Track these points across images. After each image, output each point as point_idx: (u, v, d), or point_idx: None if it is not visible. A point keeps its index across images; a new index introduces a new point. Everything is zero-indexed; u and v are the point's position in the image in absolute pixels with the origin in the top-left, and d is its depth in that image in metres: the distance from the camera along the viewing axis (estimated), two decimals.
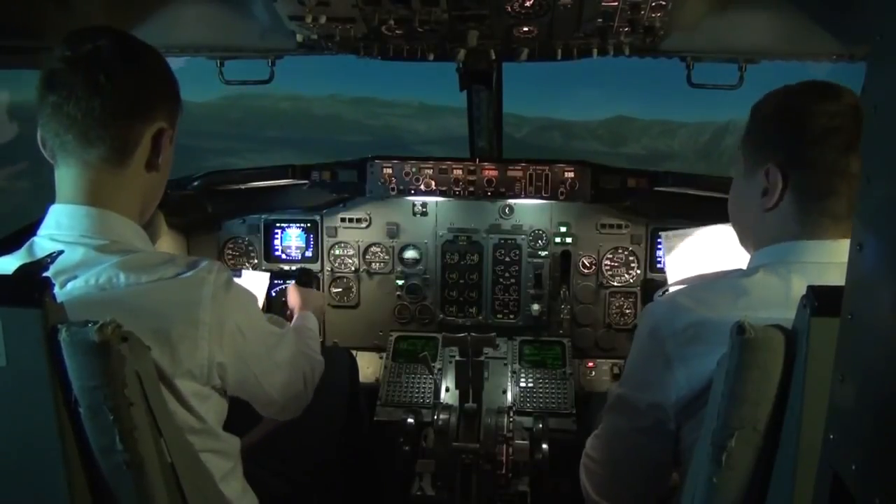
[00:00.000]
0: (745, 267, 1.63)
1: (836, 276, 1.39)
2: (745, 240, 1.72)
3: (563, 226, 3.30)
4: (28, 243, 1.50)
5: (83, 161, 1.49)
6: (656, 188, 3.14)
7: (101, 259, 1.43)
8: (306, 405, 2.04)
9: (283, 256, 3.46)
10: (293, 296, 2.69)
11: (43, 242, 1.48)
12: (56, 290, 1.35)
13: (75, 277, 1.41)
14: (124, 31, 1.56)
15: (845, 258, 1.46)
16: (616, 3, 2.00)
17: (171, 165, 1.70)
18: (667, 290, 1.64)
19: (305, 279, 3.29)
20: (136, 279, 1.42)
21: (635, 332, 1.70)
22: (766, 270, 1.49)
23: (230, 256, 3.48)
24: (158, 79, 1.57)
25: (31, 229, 1.54)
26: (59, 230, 1.48)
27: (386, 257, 3.40)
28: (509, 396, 2.98)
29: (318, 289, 3.41)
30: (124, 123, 1.49)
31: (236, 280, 1.62)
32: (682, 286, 1.63)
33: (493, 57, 2.56)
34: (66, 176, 1.51)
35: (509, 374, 3.07)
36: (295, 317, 2.55)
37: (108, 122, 1.46)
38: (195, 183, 3.14)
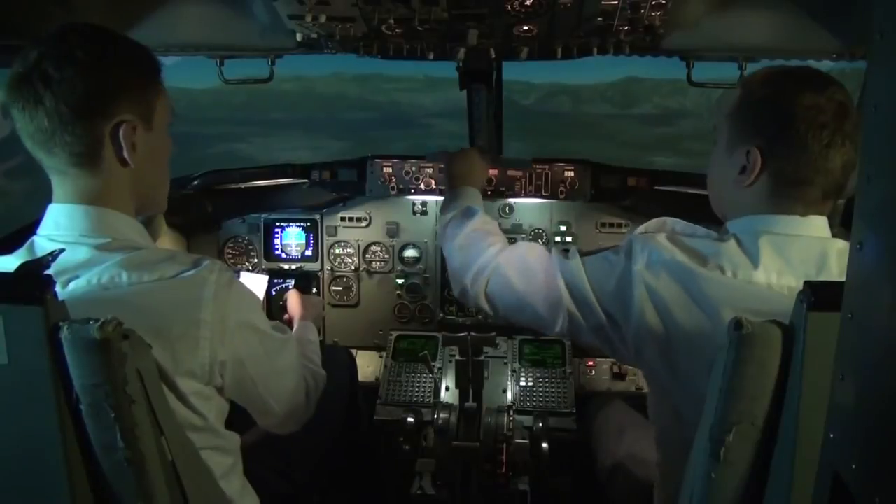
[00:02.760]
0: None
1: (801, 247, 1.51)
2: (718, 207, 1.79)
3: (563, 225, 3.30)
4: (28, 243, 1.50)
5: (56, 169, 1.49)
6: (656, 187, 3.14)
7: (103, 258, 1.43)
8: (307, 419, 2.00)
9: (283, 255, 3.46)
10: (293, 302, 2.68)
11: (43, 242, 1.48)
12: (59, 290, 1.35)
13: (77, 277, 1.41)
14: (81, 29, 1.49)
15: (812, 231, 1.55)
16: (616, 3, 2.00)
17: (162, 154, 1.66)
18: (647, 230, 1.74)
19: (304, 283, 3.29)
20: (138, 278, 1.42)
21: (612, 249, 1.75)
22: (738, 238, 1.57)
23: (230, 256, 3.48)
24: (110, 73, 1.47)
25: (32, 228, 1.54)
26: (58, 230, 1.48)
27: (386, 256, 3.40)
28: (509, 395, 2.98)
29: (318, 290, 3.42)
30: (75, 127, 1.44)
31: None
32: (661, 229, 1.72)
33: (493, 56, 2.55)
34: (53, 183, 1.52)
35: (509, 374, 3.07)
36: (295, 325, 2.53)
37: (58, 131, 1.43)
38: (195, 183, 3.14)
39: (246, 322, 1.61)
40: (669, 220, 1.76)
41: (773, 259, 1.51)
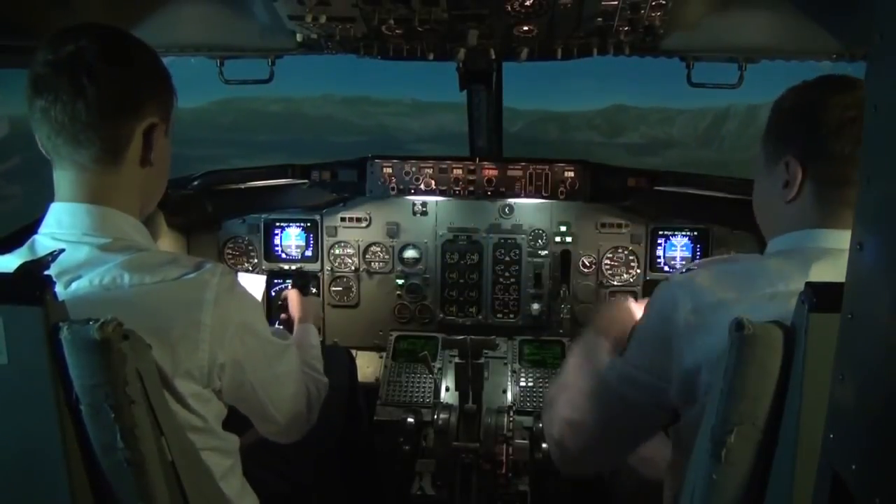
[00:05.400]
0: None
1: None
2: (769, 233, 1.74)
3: (563, 225, 3.30)
4: (29, 242, 1.50)
5: (76, 163, 1.49)
6: (656, 188, 3.14)
7: (105, 258, 1.43)
8: (309, 428, 1.98)
9: (283, 256, 3.47)
10: (293, 303, 2.65)
11: (44, 241, 1.47)
12: (60, 290, 1.36)
13: (79, 277, 1.41)
14: (108, 27, 1.53)
15: None
16: (616, 3, 2.00)
17: (169, 158, 1.68)
18: (686, 270, 1.67)
19: (302, 283, 3.29)
20: (140, 279, 1.42)
21: (645, 307, 1.71)
22: (783, 256, 1.53)
23: (230, 256, 3.48)
24: (146, 74, 1.54)
25: (32, 228, 1.53)
26: (61, 228, 1.48)
27: (386, 257, 3.40)
28: (509, 396, 2.98)
29: (317, 289, 3.42)
30: (112, 123, 1.47)
31: None
32: (701, 268, 1.65)
33: (493, 56, 2.56)
34: (62, 177, 1.51)
35: (509, 374, 3.07)
36: (295, 328, 2.52)
37: (95, 124, 1.44)
38: (195, 183, 3.14)
39: (246, 326, 1.60)
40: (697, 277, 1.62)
41: (825, 275, 1.37)
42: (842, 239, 1.49)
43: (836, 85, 1.55)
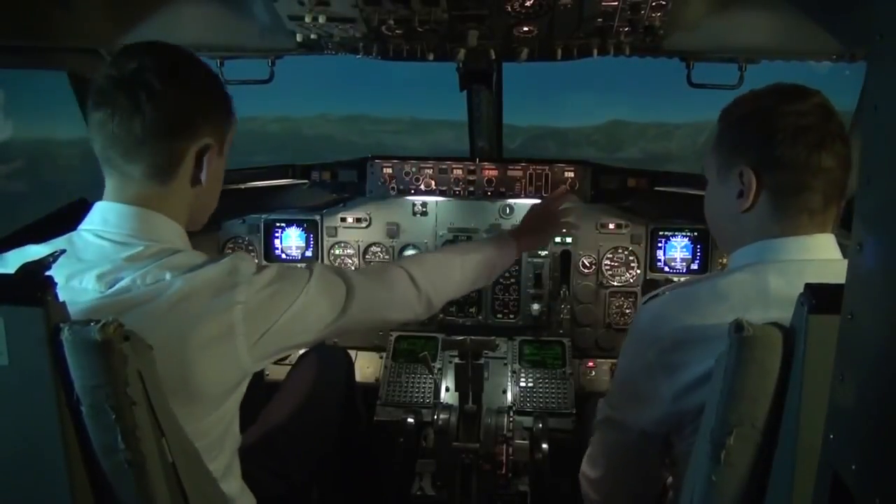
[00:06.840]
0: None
1: (814, 273, 1.37)
2: (724, 242, 1.73)
3: None
4: (68, 235, 1.53)
5: (126, 175, 1.53)
6: (656, 188, 3.14)
7: (147, 261, 1.46)
8: (431, 307, 2.02)
9: (283, 256, 3.47)
10: (528, 219, 2.47)
11: (87, 237, 1.50)
12: (103, 289, 1.40)
13: (122, 278, 1.43)
14: (173, 47, 1.56)
15: (824, 254, 1.49)
16: (616, 3, 2.01)
17: (221, 177, 1.73)
18: (654, 296, 1.64)
19: None
20: (178, 276, 1.44)
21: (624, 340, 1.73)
22: (744, 271, 1.51)
23: None
24: (203, 96, 1.57)
25: (59, 217, 1.54)
26: (106, 227, 1.50)
27: (386, 257, 3.40)
28: (509, 396, 2.98)
29: None
30: (166, 142, 1.50)
31: None
32: (668, 291, 1.63)
33: (493, 57, 2.56)
34: (111, 184, 1.55)
35: (509, 374, 3.07)
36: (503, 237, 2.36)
37: (148, 141, 1.48)
38: None
39: (283, 310, 1.60)
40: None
41: (785, 293, 1.33)
42: (801, 247, 1.50)
43: (790, 93, 1.53)
